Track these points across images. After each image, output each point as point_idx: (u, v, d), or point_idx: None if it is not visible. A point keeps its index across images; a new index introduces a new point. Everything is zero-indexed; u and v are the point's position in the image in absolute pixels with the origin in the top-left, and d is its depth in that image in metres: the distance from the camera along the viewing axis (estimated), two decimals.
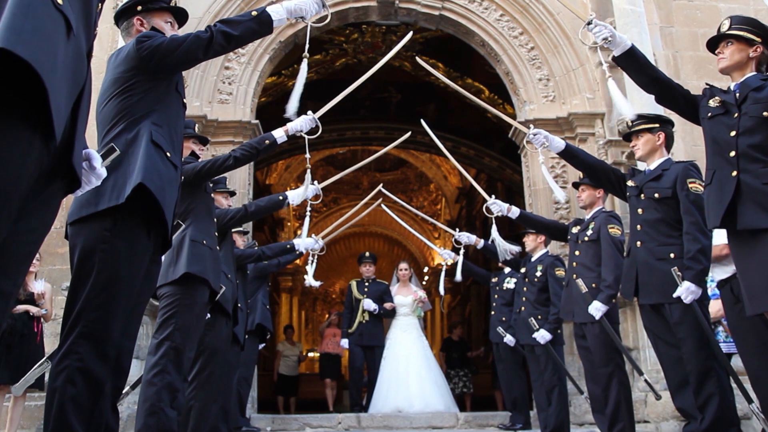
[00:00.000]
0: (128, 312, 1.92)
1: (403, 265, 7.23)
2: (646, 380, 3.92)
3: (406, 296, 6.84)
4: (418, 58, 4.18)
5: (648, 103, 5.36)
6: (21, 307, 4.67)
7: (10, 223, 1.13)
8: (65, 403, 1.76)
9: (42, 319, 4.87)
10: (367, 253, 7.22)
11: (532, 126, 3.59)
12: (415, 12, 6.76)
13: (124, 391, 3.29)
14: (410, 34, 4.01)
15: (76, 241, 1.93)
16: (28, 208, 1.21)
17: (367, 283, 6.92)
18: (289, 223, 16.91)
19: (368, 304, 6.66)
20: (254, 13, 2.27)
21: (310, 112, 3.23)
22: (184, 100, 2.32)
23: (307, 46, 2.74)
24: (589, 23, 2.71)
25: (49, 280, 5.19)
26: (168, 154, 2.07)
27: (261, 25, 2.28)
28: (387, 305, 6.72)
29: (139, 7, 2.32)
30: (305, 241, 5.00)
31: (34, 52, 1.08)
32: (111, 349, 1.84)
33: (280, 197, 3.92)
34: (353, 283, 7.03)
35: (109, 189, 1.90)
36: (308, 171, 3.69)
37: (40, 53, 1.09)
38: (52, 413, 1.76)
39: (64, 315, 1.85)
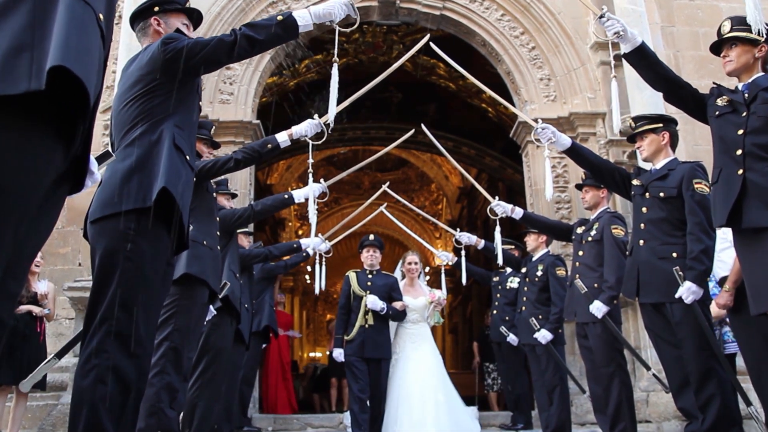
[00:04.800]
0: (149, 311, 1.91)
1: (412, 258, 5.49)
2: (654, 374, 3.91)
3: (416, 298, 5.24)
4: (432, 45, 4.11)
5: (649, 103, 5.39)
6: (24, 308, 4.66)
7: (28, 227, 1.16)
8: (96, 402, 1.72)
9: (45, 319, 4.87)
10: (371, 236, 5.36)
11: (540, 120, 3.57)
12: (416, 12, 6.76)
13: None
14: (426, 38, 3.94)
15: (98, 239, 1.92)
16: (38, 211, 1.23)
17: (370, 275, 5.12)
18: (290, 224, 16.91)
19: (373, 302, 4.89)
20: (280, 17, 2.23)
21: (316, 116, 3.22)
22: (200, 103, 2.32)
23: (336, 51, 2.69)
24: (601, 17, 2.72)
25: (50, 281, 5.20)
26: (188, 157, 2.08)
27: (286, 30, 2.24)
28: (397, 305, 5.04)
29: (156, 8, 2.33)
30: (312, 241, 4.99)
31: (86, 71, 1.12)
32: (138, 347, 1.83)
33: (285, 196, 3.96)
34: (352, 275, 5.17)
35: (134, 189, 1.90)
36: (310, 175, 3.71)
37: (89, 72, 1.14)
38: (83, 414, 1.72)
39: (87, 313, 1.83)
